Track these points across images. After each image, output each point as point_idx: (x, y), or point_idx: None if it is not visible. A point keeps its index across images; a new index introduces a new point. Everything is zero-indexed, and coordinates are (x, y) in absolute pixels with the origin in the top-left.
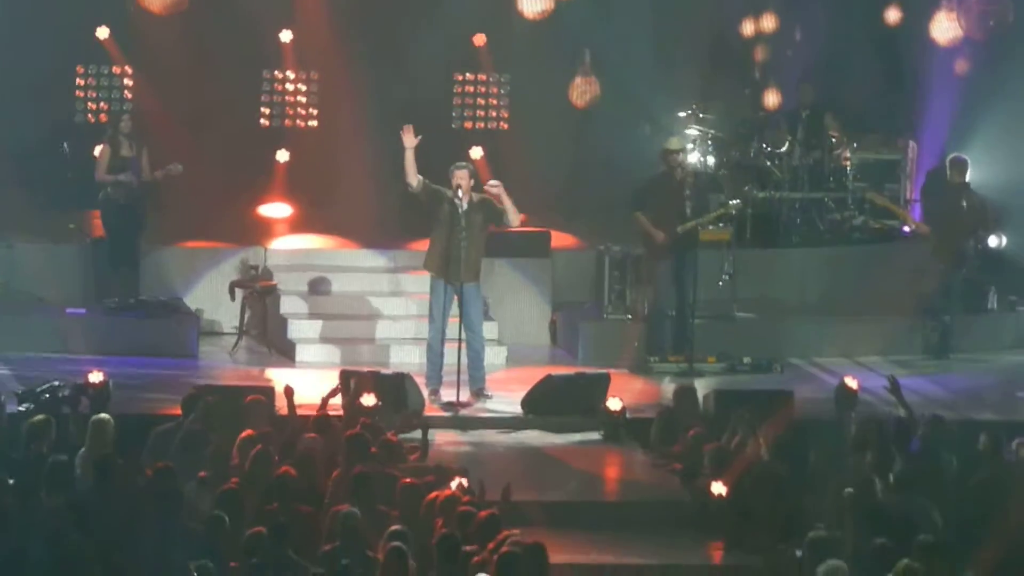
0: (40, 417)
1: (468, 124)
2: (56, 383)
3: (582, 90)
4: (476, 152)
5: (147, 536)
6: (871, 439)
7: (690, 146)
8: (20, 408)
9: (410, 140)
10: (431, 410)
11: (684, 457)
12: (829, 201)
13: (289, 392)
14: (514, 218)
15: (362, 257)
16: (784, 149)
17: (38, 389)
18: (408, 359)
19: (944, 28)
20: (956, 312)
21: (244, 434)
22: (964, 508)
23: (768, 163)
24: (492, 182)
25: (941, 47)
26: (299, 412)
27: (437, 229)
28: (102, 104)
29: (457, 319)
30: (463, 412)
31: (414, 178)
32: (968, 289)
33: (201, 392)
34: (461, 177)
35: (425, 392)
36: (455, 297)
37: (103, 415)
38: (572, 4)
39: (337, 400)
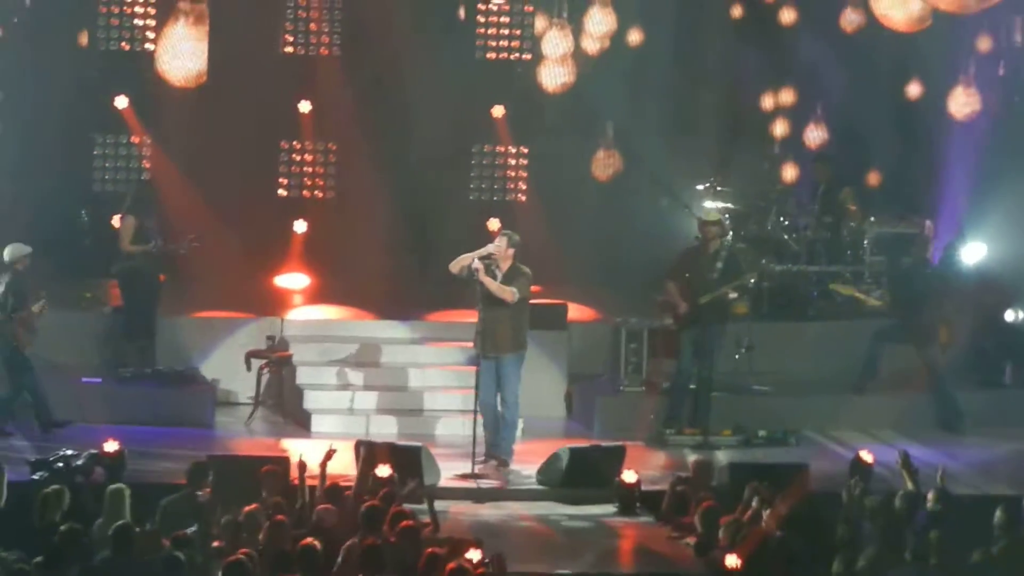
0: (54, 487)
1: (486, 196)
2: (70, 452)
3: (605, 163)
4: (493, 223)
5: None
6: (880, 512)
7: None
8: (34, 477)
9: (486, 250)
10: (445, 481)
11: (698, 530)
12: (846, 275)
13: (302, 466)
14: (503, 295)
15: (379, 328)
16: (801, 222)
17: (52, 458)
18: (426, 430)
19: (962, 103)
20: (940, 386)
21: (254, 505)
22: None
23: (785, 236)
24: (475, 264)
25: (959, 122)
26: (310, 483)
27: (477, 305)
28: (120, 174)
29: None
30: (479, 483)
31: (457, 267)
32: (983, 364)
33: (208, 462)
34: (496, 245)
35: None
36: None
37: (120, 484)
38: (593, 77)
39: (351, 470)
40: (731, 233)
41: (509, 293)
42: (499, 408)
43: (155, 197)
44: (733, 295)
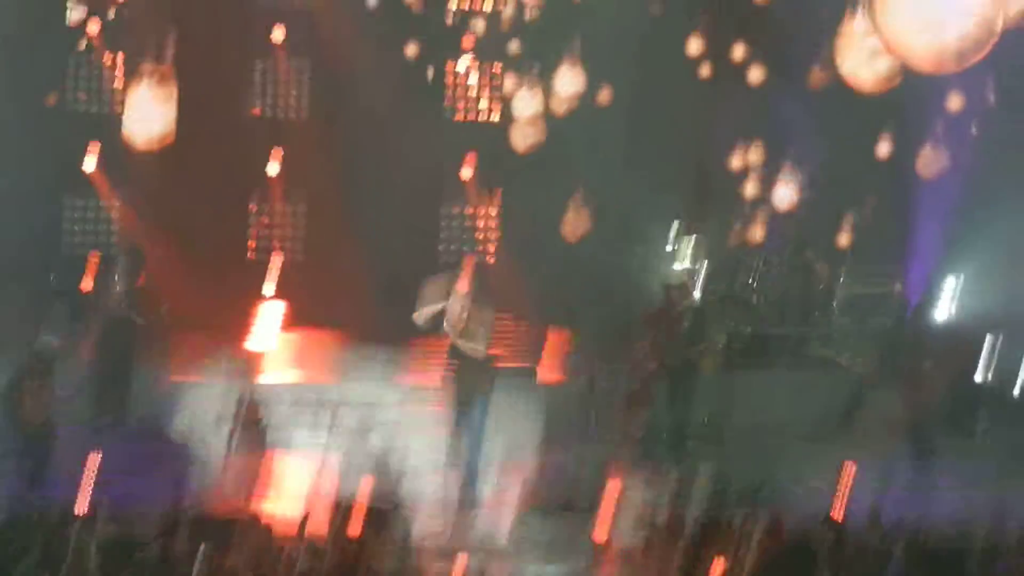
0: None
1: (455, 257)
2: (42, 506)
3: (575, 224)
4: (463, 286)
5: None
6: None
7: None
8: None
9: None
10: (424, 538)
11: None
12: (814, 338)
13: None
14: (477, 355)
15: (354, 387)
16: (769, 283)
17: (24, 511)
18: (403, 486)
19: (930, 161)
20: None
21: None
22: None
23: (753, 298)
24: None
25: (929, 180)
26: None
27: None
28: (88, 237)
29: None
30: (453, 538)
31: (423, 320)
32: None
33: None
34: (449, 311)
35: None
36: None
37: (86, 538)
38: (564, 138)
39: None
40: (694, 295)
41: (479, 351)
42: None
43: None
44: (703, 353)
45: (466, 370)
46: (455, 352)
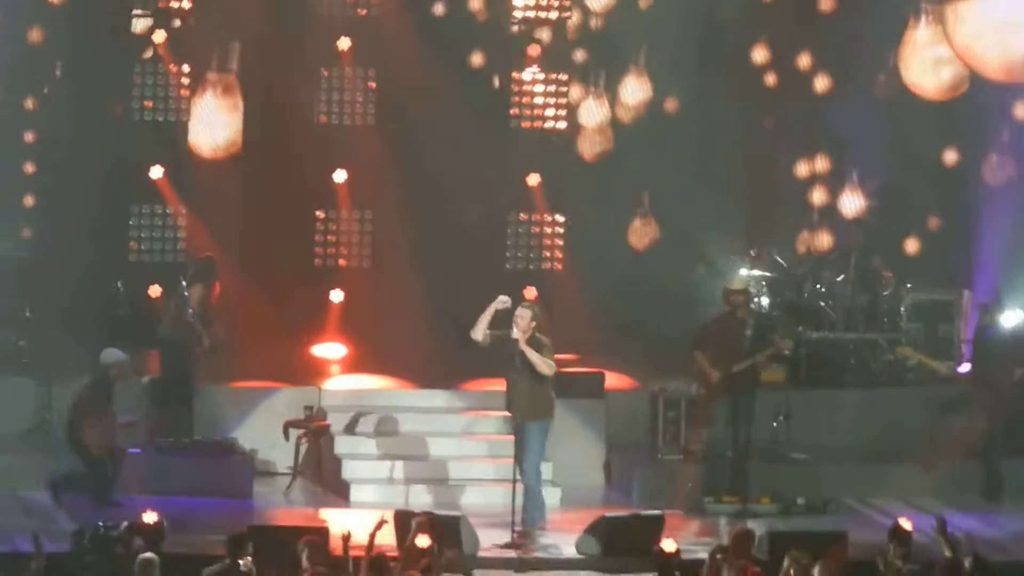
0: (92, 557)
1: (522, 265)
2: (109, 523)
3: (641, 232)
4: (530, 292)
5: None
6: None
7: (752, 288)
8: (73, 547)
9: (501, 304)
10: (485, 549)
11: None
12: (883, 342)
13: (347, 537)
14: (543, 369)
15: (417, 397)
16: (837, 289)
17: (91, 529)
18: (465, 500)
19: (996, 169)
20: (994, 455)
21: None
22: None
23: (822, 304)
24: (516, 334)
25: (995, 188)
26: (353, 554)
27: (508, 372)
28: (155, 244)
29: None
30: (518, 553)
31: (481, 333)
32: (1020, 432)
33: (247, 533)
34: (522, 317)
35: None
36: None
37: (150, 555)
38: (629, 146)
39: (390, 539)
40: (759, 300)
41: (548, 367)
42: (527, 476)
43: (215, 272)
44: (766, 363)
45: (528, 385)
46: (519, 366)
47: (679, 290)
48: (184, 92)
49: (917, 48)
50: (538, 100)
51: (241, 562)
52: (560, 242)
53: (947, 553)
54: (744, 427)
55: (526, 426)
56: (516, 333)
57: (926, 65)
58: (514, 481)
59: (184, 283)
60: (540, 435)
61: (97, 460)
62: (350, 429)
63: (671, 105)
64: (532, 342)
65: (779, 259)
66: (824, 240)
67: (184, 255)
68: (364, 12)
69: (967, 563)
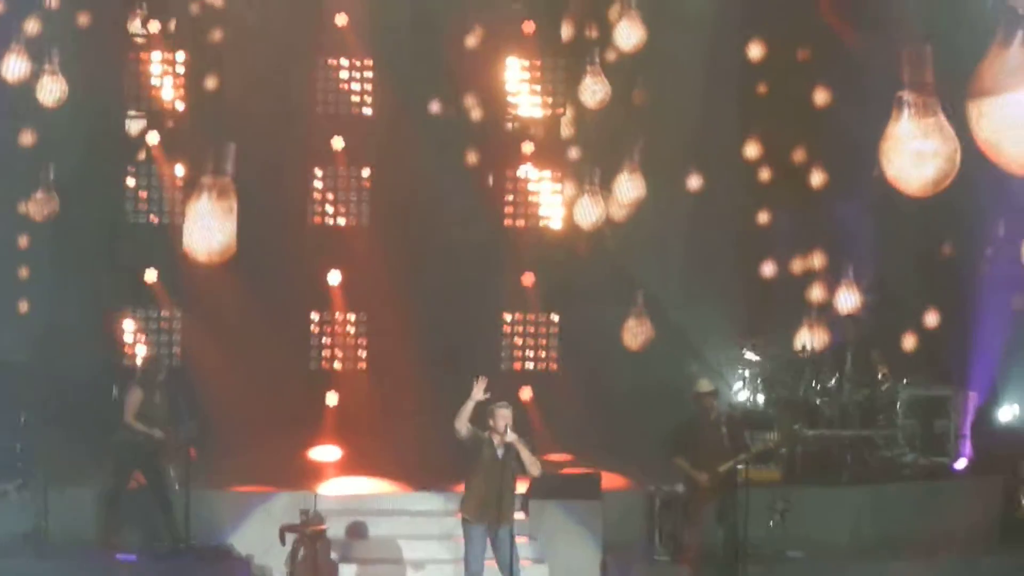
0: None
1: (517, 365)
2: None
3: (636, 331)
4: (525, 394)
5: None
6: None
7: (739, 384)
8: None
9: (479, 393)
10: None
11: None
12: (878, 439)
13: None
14: (534, 470)
15: (413, 500)
16: (833, 386)
17: None
18: None
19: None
20: None
21: None
22: None
23: (817, 400)
24: (510, 435)
25: (995, 283)
26: None
27: (477, 473)
28: (151, 348)
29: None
30: None
31: (464, 426)
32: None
33: None
34: (504, 417)
35: None
36: (487, 540)
37: None
38: (624, 244)
39: None
40: (755, 397)
41: (537, 467)
42: None
43: (165, 372)
44: (753, 462)
45: (509, 487)
46: (498, 467)
47: (674, 389)
48: (178, 194)
49: (899, 142)
50: (532, 199)
51: None
52: (554, 341)
53: None
54: (732, 527)
55: (503, 532)
56: (500, 431)
57: (908, 159)
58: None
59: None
60: (512, 538)
61: None
62: (346, 533)
63: (665, 202)
64: (517, 445)
65: (776, 354)
66: (821, 336)
67: (180, 359)
68: (358, 112)
69: None
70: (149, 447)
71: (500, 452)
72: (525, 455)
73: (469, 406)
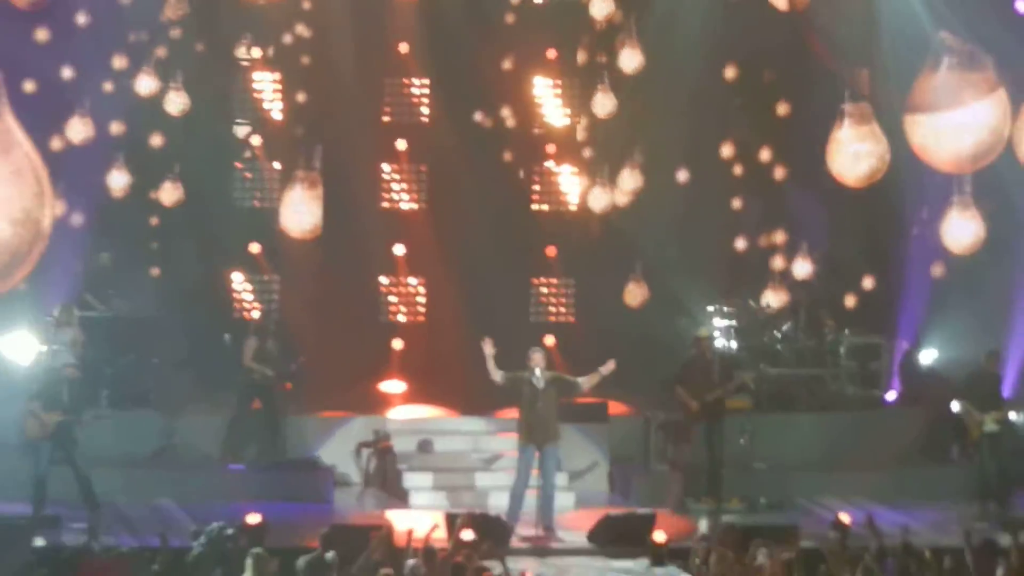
0: (210, 551)
1: (542, 318)
2: (221, 523)
3: (635, 293)
4: (549, 340)
5: None
6: (856, 563)
7: (717, 334)
8: (193, 544)
9: (489, 349)
10: (515, 542)
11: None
12: (826, 376)
13: (411, 532)
14: (585, 385)
15: (460, 423)
16: (790, 335)
17: (207, 529)
18: (497, 502)
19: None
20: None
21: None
22: None
23: (778, 347)
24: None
25: (919, 256)
26: (410, 545)
27: (522, 406)
28: (255, 305)
29: (537, 471)
30: (541, 544)
31: (496, 374)
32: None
33: (331, 530)
34: (537, 360)
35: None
36: (536, 455)
37: (259, 549)
38: (626, 224)
39: (439, 534)
40: (730, 344)
41: (590, 381)
42: (544, 487)
43: (271, 325)
44: (732, 393)
45: (552, 415)
46: (540, 400)
47: (665, 337)
48: (276, 184)
49: (841, 144)
50: (554, 188)
51: (327, 554)
52: (572, 300)
53: (875, 543)
54: (716, 445)
55: (549, 449)
56: (538, 371)
57: (847, 158)
58: (537, 488)
59: (252, 335)
60: (558, 453)
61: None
62: (409, 448)
63: (660, 192)
64: (555, 378)
65: (751, 305)
66: (781, 297)
67: (280, 314)
68: (417, 119)
69: (892, 547)
70: (263, 382)
71: (539, 386)
72: (593, 380)
73: (489, 361)
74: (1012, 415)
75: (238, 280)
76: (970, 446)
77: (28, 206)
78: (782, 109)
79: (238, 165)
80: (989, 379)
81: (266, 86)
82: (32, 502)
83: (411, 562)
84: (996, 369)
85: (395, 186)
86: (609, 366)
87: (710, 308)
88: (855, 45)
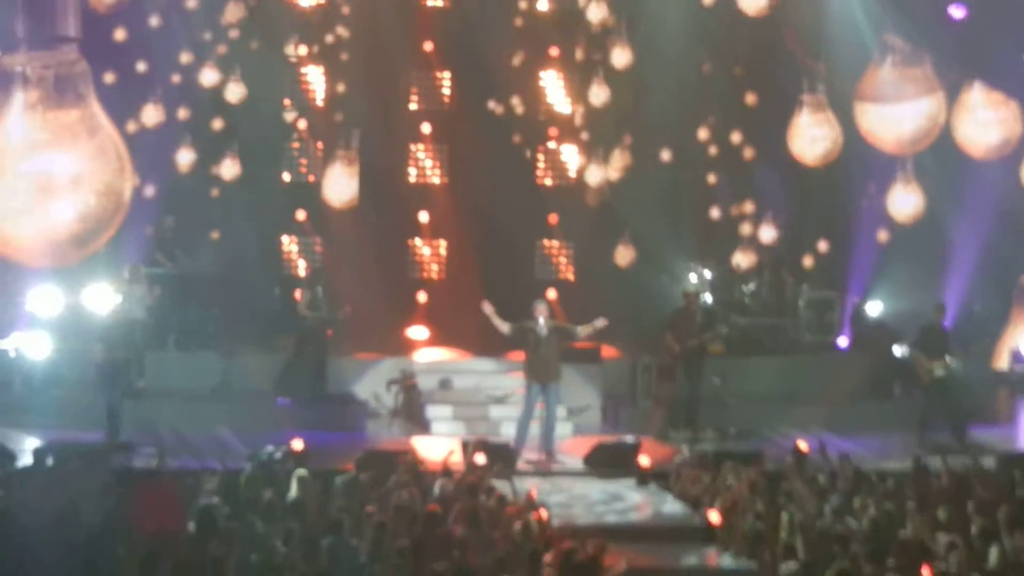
0: (261, 473)
1: (545, 276)
2: (271, 448)
3: (624, 255)
4: (551, 294)
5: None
6: (817, 482)
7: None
8: (246, 466)
9: (488, 309)
10: (521, 465)
11: (694, 494)
12: (787, 325)
13: (423, 456)
14: (583, 333)
15: (474, 363)
16: (756, 290)
17: (259, 453)
18: (506, 431)
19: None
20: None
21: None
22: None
23: (746, 300)
24: (602, 322)
25: (867, 223)
26: (431, 467)
27: (528, 351)
28: (301, 263)
29: (541, 405)
30: (543, 466)
31: (503, 327)
32: (880, 383)
33: (365, 455)
34: (541, 311)
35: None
36: (540, 392)
37: (303, 471)
38: (617, 196)
39: (456, 458)
40: (706, 297)
41: (588, 330)
42: (547, 418)
43: (321, 279)
44: (710, 340)
45: (554, 358)
46: (544, 345)
47: (650, 293)
48: (320, 161)
49: (800, 129)
50: (556, 165)
51: (363, 475)
52: (571, 260)
53: (826, 467)
54: (695, 383)
55: (551, 386)
56: (541, 320)
57: (805, 141)
58: (544, 419)
59: (305, 288)
60: (559, 390)
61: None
62: (431, 385)
63: (646, 168)
64: (556, 327)
65: (723, 264)
66: (749, 258)
67: (318, 271)
68: (440, 106)
69: (842, 469)
70: (317, 327)
71: (543, 333)
72: (587, 330)
73: (493, 318)
74: (951, 361)
75: (286, 242)
76: (915, 387)
77: (111, 180)
78: (750, 99)
79: (287, 145)
80: (937, 331)
81: (311, 78)
82: (107, 430)
83: (440, 482)
84: (942, 321)
85: (421, 163)
86: (602, 322)
87: (689, 267)
88: (811, 43)
